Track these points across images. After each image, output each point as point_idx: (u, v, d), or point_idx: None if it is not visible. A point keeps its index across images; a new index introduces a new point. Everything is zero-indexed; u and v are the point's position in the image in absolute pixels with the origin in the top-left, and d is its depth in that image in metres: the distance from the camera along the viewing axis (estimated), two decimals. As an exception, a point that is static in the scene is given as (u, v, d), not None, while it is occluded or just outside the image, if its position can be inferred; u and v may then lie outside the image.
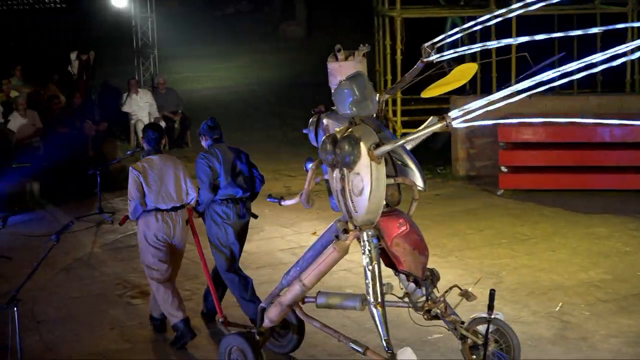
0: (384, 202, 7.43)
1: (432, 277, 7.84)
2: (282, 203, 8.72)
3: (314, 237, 12.15)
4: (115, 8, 22.37)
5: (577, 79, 5.96)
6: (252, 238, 12.16)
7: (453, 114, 6.75)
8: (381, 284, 7.44)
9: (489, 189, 14.77)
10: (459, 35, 7.68)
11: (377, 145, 7.16)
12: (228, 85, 28.23)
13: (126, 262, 11.66)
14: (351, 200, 7.36)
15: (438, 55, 7.56)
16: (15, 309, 7.72)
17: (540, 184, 14.50)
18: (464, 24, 18.10)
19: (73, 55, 19.72)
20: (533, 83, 6.16)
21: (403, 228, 7.59)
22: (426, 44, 7.65)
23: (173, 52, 28.35)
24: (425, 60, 7.61)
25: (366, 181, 7.20)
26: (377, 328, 7.40)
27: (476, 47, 7.86)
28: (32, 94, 17.76)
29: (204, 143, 9.37)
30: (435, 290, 7.86)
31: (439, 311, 7.77)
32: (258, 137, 19.69)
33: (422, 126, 7.44)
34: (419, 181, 7.69)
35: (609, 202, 13.81)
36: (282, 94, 25.71)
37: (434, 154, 17.53)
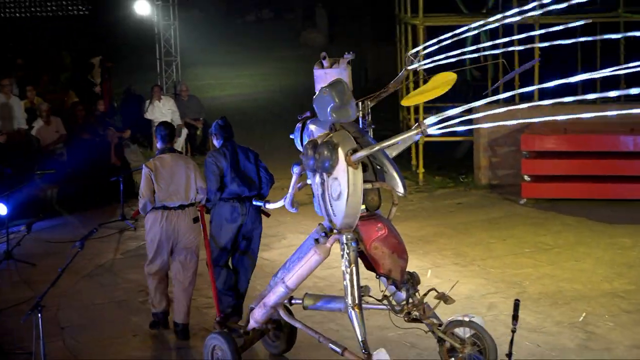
0: (363, 207, 7.62)
1: (412, 280, 7.92)
2: (267, 206, 8.92)
3: (336, 244, 12.22)
4: (139, 15, 22.43)
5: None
6: (274, 246, 12.22)
7: (428, 120, 6.92)
8: (359, 287, 7.58)
9: (511, 198, 14.71)
10: (442, 44, 7.85)
11: (355, 151, 7.36)
12: (250, 92, 28.29)
13: (149, 269, 11.67)
14: (330, 204, 7.59)
15: (422, 63, 7.91)
16: (39, 315, 7.76)
17: (563, 193, 14.43)
18: (486, 33, 18.12)
19: (96, 61, 19.74)
20: (513, 93, 6.61)
21: (381, 232, 7.69)
22: (409, 52, 8.06)
23: (195, 59, 28.47)
24: (409, 68, 7.97)
25: (344, 186, 7.40)
26: (354, 329, 7.53)
27: (454, 54, 7.92)
28: (55, 101, 17.84)
29: (215, 142, 9.57)
30: (417, 293, 7.96)
31: (417, 314, 7.87)
32: (279, 144, 19.60)
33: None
34: (398, 187, 7.84)
35: (633, 211, 13.73)
36: (304, 100, 25.67)
37: (456, 163, 17.53)
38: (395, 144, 7.67)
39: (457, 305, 9.71)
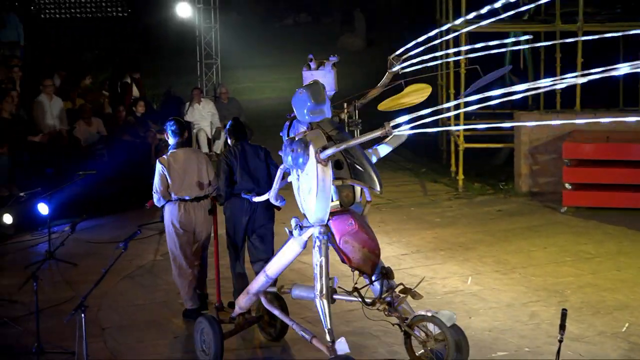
0: (337, 202, 8.04)
1: (387, 275, 8.12)
2: (254, 199, 9.22)
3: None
4: (180, 18, 22.55)
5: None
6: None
7: (393, 122, 7.04)
8: (327, 278, 7.90)
9: (552, 206, 14.59)
10: (422, 48, 8.03)
11: (324, 148, 7.60)
12: (288, 95, 28.02)
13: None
14: (304, 199, 7.86)
15: (404, 65, 8.17)
16: (83, 315, 7.80)
17: (605, 202, 14.28)
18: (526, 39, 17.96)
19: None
20: (483, 95, 6.47)
21: (352, 227, 7.92)
22: (391, 56, 8.24)
23: (234, 62, 28.52)
24: (391, 71, 8.27)
25: (313, 182, 7.67)
26: (321, 318, 7.83)
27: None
28: (96, 101, 17.96)
29: (229, 142, 10.14)
30: (391, 289, 8.16)
31: (384, 307, 8.06)
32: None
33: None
34: (374, 184, 8.00)
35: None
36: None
37: (495, 169, 17.44)
38: (363, 141, 7.74)
39: (499, 312, 9.75)
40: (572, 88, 15.95)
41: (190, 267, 9.88)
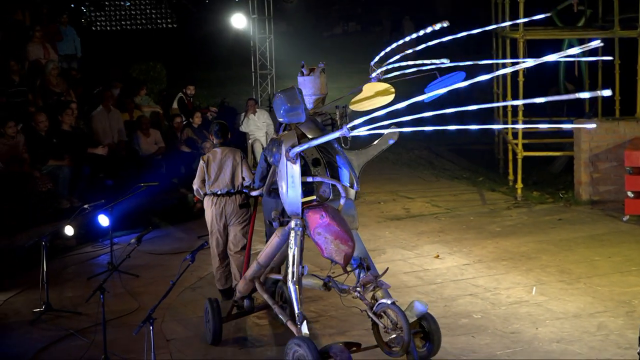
0: (314, 197, 8.72)
1: (362, 266, 8.69)
2: (252, 193, 9.95)
3: (437, 260, 12.17)
4: (234, 29, 22.63)
5: None
6: (375, 260, 12.02)
7: (351, 123, 7.81)
8: (299, 266, 8.56)
9: (614, 215, 14.39)
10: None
11: (292, 147, 8.42)
12: (337, 104, 28.20)
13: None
14: (280, 193, 8.66)
15: (380, 70, 8.97)
16: (151, 327, 7.82)
17: (668, 211, 14.07)
18: (579, 43, 17.81)
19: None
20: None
21: (324, 220, 8.45)
22: (372, 63, 9.02)
23: (287, 72, 28.50)
24: (371, 77, 9.00)
25: (282, 178, 8.55)
26: (292, 302, 8.52)
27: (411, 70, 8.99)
28: (155, 113, 18.07)
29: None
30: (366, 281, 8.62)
31: (357, 294, 8.54)
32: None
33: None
34: (346, 182, 8.83)
35: None
36: (394, 114, 25.60)
37: (553, 178, 17.26)
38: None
39: (566, 323, 9.63)
40: (632, 95, 15.80)
41: (220, 253, 10.77)
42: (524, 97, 15.83)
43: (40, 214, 13.68)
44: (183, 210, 15.44)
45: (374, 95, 8.95)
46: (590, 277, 11.30)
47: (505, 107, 17.20)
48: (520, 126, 16.56)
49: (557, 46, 18.35)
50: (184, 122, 17.22)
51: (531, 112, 17.81)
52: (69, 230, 12.32)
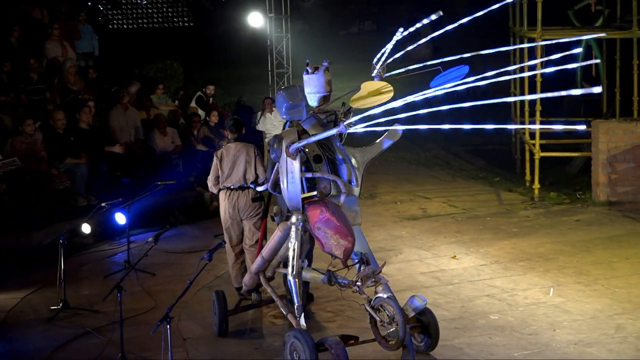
0: (314, 193, 8.82)
1: (363, 262, 8.82)
2: (257, 188, 10.34)
3: (454, 260, 12.14)
4: (251, 27, 22.62)
5: None
6: (391, 260, 12.15)
7: (348, 121, 8.09)
8: (300, 260, 8.77)
9: (632, 216, 14.33)
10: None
11: (292, 143, 8.62)
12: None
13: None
14: (282, 188, 8.89)
15: (379, 67, 9.05)
16: (168, 326, 7.83)
17: (686, 211, 14.02)
18: (599, 46, 17.73)
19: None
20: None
21: (323, 215, 8.58)
22: (373, 62, 9.09)
23: (302, 70, 28.53)
24: (372, 74, 9.09)
25: (283, 173, 8.80)
26: (292, 295, 8.74)
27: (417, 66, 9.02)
28: (172, 111, 18.08)
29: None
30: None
31: (356, 289, 8.69)
32: (388, 158, 19.63)
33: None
34: (346, 177, 9.03)
35: None
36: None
37: (571, 179, 17.20)
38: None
39: (583, 325, 9.59)
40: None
41: (234, 248, 10.76)
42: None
43: (57, 212, 13.70)
44: (199, 209, 15.46)
45: (374, 94, 9.06)
46: (608, 279, 11.24)
47: (522, 107, 17.13)
48: (535, 126, 16.49)
49: (575, 46, 18.26)
50: (202, 121, 17.22)
51: (548, 113, 17.74)
52: (86, 228, 12.37)
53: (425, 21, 8.85)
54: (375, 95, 9.05)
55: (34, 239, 12.78)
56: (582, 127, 7.44)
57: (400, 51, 8.96)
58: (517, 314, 10.06)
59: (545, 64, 9.13)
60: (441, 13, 8.89)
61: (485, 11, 8.63)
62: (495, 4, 8.80)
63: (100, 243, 13.70)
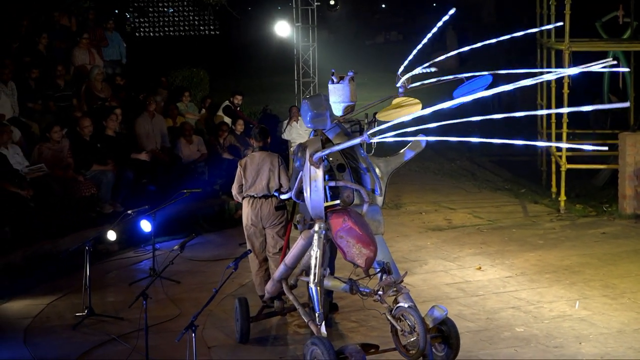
0: (338, 201, 8.81)
1: (384, 271, 8.76)
2: (281, 197, 10.28)
3: (480, 272, 12.10)
4: (278, 37, 22.69)
5: None
6: (416, 271, 12.13)
7: (372, 130, 8.14)
8: (322, 269, 8.77)
9: (659, 229, 14.27)
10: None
11: (315, 152, 8.67)
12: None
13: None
14: (305, 197, 8.92)
15: (405, 78, 9.01)
16: (193, 334, 7.84)
17: None
18: (626, 58, 17.65)
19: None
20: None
21: (346, 224, 8.62)
22: (399, 72, 9.10)
23: (329, 79, 28.59)
24: (397, 85, 9.10)
25: (306, 182, 8.82)
26: (314, 303, 8.76)
27: (446, 78, 9.12)
28: (199, 119, 18.14)
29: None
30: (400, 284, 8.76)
31: (377, 298, 8.73)
32: (412, 168, 19.62)
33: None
34: (369, 186, 9.06)
35: None
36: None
37: (598, 191, 17.11)
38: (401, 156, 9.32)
39: (610, 339, 9.51)
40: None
41: (258, 257, 10.75)
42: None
43: (83, 219, 13.78)
44: (224, 217, 15.50)
45: (401, 106, 9.08)
46: (634, 292, 11.17)
47: (549, 120, 17.07)
48: (563, 144, 16.40)
49: (601, 58, 18.18)
50: (227, 130, 17.25)
51: (575, 125, 17.67)
52: (111, 235, 12.42)
53: (440, 24, 8.76)
54: (402, 107, 9.07)
55: (60, 245, 12.84)
56: (605, 148, 7.42)
57: (428, 64, 8.94)
58: (542, 326, 10.01)
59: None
60: (455, 10, 8.79)
61: (512, 35, 8.55)
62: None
63: (125, 250, 13.72)
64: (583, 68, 7.53)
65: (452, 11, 8.54)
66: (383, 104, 9.44)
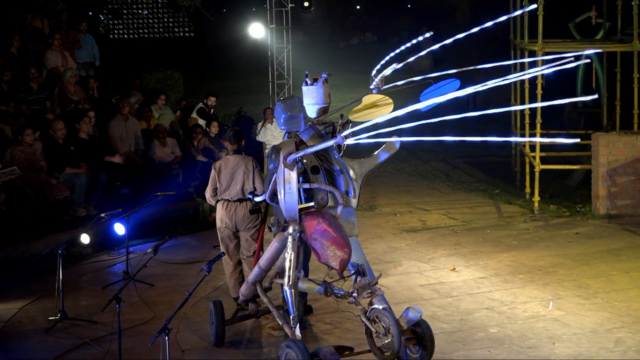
0: (312, 204, 8.86)
1: (359, 273, 8.83)
2: (255, 199, 10.19)
3: (454, 273, 12.12)
4: (252, 38, 22.66)
5: None
6: (391, 272, 12.14)
7: (345, 132, 8.15)
8: (296, 271, 8.79)
9: (631, 229, 14.32)
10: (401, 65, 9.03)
11: (289, 154, 8.69)
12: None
13: (265, 292, 11.68)
14: (279, 199, 8.93)
15: (378, 79, 9.20)
16: (167, 337, 7.80)
17: (687, 225, 14.00)
18: (600, 59, 17.73)
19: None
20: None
21: (320, 226, 8.66)
22: (372, 73, 9.25)
23: (302, 81, 28.61)
24: (371, 87, 9.27)
25: (280, 184, 8.84)
26: (288, 305, 8.78)
27: (416, 79, 9.34)
28: (173, 121, 18.08)
29: None
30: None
31: (352, 300, 8.77)
32: (387, 169, 19.64)
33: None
34: (343, 188, 9.11)
35: None
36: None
37: (571, 191, 17.19)
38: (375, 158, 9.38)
39: (583, 339, 9.56)
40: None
41: (232, 259, 10.74)
42: (542, 109, 15.80)
43: (56, 222, 13.70)
44: (198, 220, 15.45)
45: (373, 106, 9.19)
46: (607, 292, 11.22)
47: (522, 119, 17.14)
48: (536, 139, 16.44)
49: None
50: (202, 132, 17.21)
51: (548, 126, 17.74)
52: (85, 239, 12.33)
53: (414, 41, 8.90)
54: (374, 108, 9.08)
55: (33, 248, 12.76)
56: (577, 141, 7.51)
57: (399, 63, 8.98)
58: (516, 327, 10.04)
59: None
60: (431, 33, 8.95)
61: (481, 27, 8.56)
62: (496, 17, 8.75)
63: (99, 253, 13.63)
64: (551, 67, 7.60)
65: (428, 34, 8.72)
66: (355, 103, 9.47)
